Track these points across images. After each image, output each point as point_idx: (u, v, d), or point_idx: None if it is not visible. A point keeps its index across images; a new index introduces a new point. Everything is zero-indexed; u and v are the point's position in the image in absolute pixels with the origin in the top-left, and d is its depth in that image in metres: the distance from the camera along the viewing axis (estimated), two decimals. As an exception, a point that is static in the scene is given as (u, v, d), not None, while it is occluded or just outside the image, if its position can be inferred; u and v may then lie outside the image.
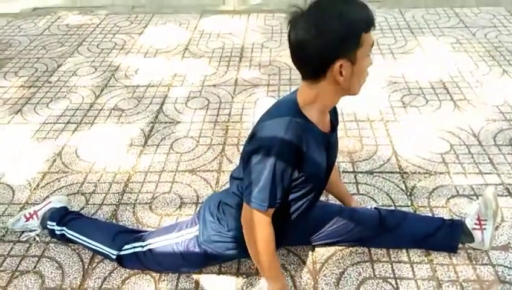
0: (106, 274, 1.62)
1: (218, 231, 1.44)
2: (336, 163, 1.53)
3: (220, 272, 1.61)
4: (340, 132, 1.71)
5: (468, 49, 3.17)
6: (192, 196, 1.98)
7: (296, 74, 2.95)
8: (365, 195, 1.93)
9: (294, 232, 1.51)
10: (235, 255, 1.51)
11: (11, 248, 1.76)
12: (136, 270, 1.62)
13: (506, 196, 1.89)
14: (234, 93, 2.78)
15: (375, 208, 1.71)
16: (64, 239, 1.72)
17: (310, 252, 1.67)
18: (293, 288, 1.54)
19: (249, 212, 1.26)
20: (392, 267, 1.60)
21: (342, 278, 1.57)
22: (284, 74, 2.97)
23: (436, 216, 1.78)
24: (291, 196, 1.31)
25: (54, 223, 1.71)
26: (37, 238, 1.79)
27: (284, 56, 3.21)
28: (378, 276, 1.57)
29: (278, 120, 1.20)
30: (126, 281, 1.59)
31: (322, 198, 1.76)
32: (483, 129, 2.32)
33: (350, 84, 1.18)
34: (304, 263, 1.64)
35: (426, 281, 1.54)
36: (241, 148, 2.24)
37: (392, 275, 1.57)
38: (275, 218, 1.29)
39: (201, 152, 2.26)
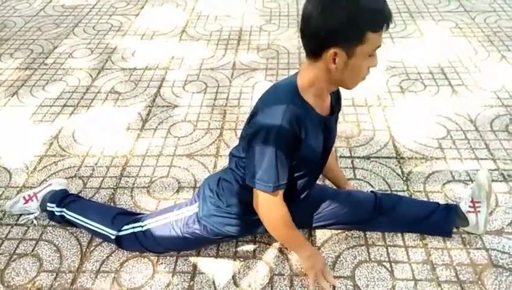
0: (104, 257, 1.64)
1: (217, 206, 1.46)
2: (333, 148, 1.54)
3: (217, 256, 1.63)
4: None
5: (467, 34, 3.15)
6: (190, 180, 1.99)
7: (295, 58, 2.95)
8: (362, 180, 1.94)
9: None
10: (235, 232, 1.51)
11: (9, 231, 1.77)
12: (134, 254, 1.64)
13: (501, 181, 1.91)
14: (232, 77, 2.76)
15: (371, 191, 1.73)
16: (63, 221, 1.73)
17: (306, 236, 1.68)
18: (289, 271, 1.56)
19: (257, 196, 1.29)
20: (387, 251, 1.62)
21: (338, 262, 1.59)
22: (282, 58, 2.95)
23: (431, 201, 1.80)
24: None
25: (54, 205, 1.72)
26: (35, 222, 1.79)
27: (283, 39, 3.18)
28: (373, 259, 1.59)
29: (277, 104, 1.20)
30: (124, 264, 1.61)
31: (319, 182, 1.77)
32: (480, 115, 2.33)
33: (342, 76, 1.18)
34: (301, 246, 1.65)
35: (420, 265, 1.56)
36: (239, 132, 2.24)
37: (387, 259, 1.59)
38: None
39: (199, 136, 2.26)
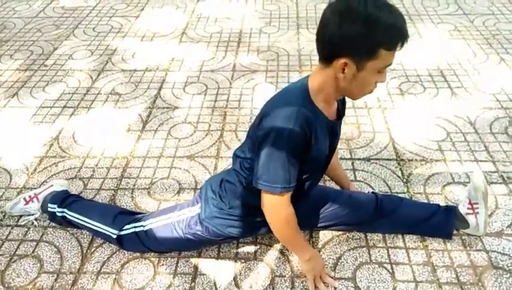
0: (105, 258, 1.64)
1: (219, 208, 1.46)
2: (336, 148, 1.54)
3: (218, 257, 1.63)
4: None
5: (466, 37, 3.17)
6: (191, 181, 1.99)
7: (294, 60, 2.95)
8: (362, 182, 1.95)
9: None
10: (237, 234, 1.51)
11: (9, 232, 1.76)
12: (135, 255, 1.64)
13: (500, 183, 1.92)
14: (232, 79, 2.77)
15: (372, 192, 1.73)
16: (64, 222, 1.72)
17: (307, 238, 1.69)
18: (290, 273, 1.57)
19: (264, 198, 1.29)
20: (388, 252, 1.62)
21: (339, 263, 1.59)
22: (282, 60, 2.96)
23: (431, 203, 1.80)
24: None
25: (55, 206, 1.72)
26: (36, 223, 1.79)
27: (283, 41, 3.19)
28: (374, 261, 1.59)
29: (288, 106, 1.20)
30: (125, 266, 1.61)
31: (320, 183, 1.77)
32: (480, 117, 2.34)
33: (349, 87, 1.19)
34: (301, 248, 1.66)
35: (421, 266, 1.57)
36: (239, 134, 2.25)
37: (387, 260, 1.59)
38: None
39: (200, 138, 2.26)
